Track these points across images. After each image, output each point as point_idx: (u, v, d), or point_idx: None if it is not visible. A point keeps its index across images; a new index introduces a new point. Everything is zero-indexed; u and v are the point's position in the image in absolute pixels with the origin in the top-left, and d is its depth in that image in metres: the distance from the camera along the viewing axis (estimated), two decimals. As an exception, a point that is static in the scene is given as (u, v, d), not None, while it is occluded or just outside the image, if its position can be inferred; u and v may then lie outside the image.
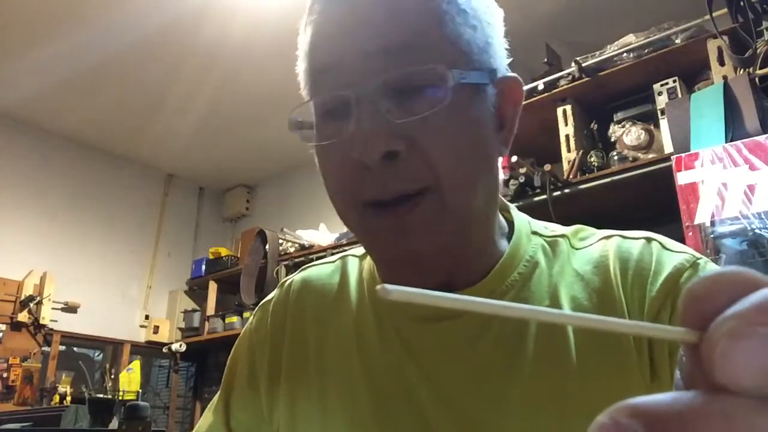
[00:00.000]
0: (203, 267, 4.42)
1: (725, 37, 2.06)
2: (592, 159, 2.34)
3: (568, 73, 2.45)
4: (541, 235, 0.59)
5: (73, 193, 4.34)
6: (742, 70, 1.99)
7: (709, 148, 1.82)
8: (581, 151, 2.35)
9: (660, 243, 0.53)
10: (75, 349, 4.43)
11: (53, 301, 3.94)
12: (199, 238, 5.06)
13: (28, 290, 3.85)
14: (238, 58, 3.44)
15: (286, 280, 0.68)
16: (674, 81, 2.23)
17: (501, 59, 0.53)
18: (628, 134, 2.31)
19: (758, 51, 1.99)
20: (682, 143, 1.94)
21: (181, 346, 3.89)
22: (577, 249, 0.57)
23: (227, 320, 4.03)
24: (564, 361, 0.50)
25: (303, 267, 0.69)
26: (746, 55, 1.99)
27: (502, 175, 2.35)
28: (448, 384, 0.53)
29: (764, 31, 2.07)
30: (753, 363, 0.17)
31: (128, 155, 4.61)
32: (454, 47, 0.48)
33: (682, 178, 1.84)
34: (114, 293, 4.41)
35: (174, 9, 3.08)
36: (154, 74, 3.61)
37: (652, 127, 2.29)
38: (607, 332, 0.20)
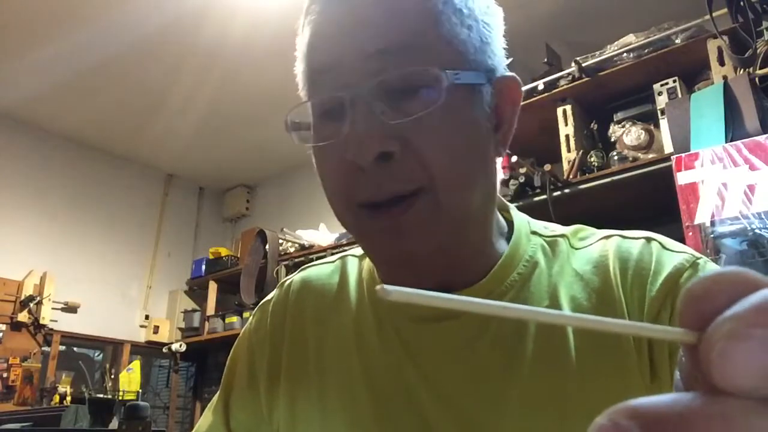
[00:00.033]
0: (203, 267, 4.42)
1: (725, 37, 2.06)
2: (592, 159, 2.34)
3: (568, 73, 2.45)
4: (540, 235, 0.59)
5: (73, 193, 4.34)
6: (742, 70, 1.99)
7: (709, 148, 1.82)
8: (581, 151, 2.35)
9: (660, 243, 0.53)
10: (75, 349, 4.43)
11: (53, 301, 3.94)
12: (199, 238, 5.06)
13: (28, 290, 3.85)
14: (238, 58, 3.43)
15: (285, 280, 0.68)
16: (674, 81, 2.23)
17: (499, 59, 0.53)
18: (628, 134, 2.31)
19: (758, 51, 1.99)
20: (682, 143, 1.94)
21: (181, 346, 3.89)
22: (576, 249, 0.57)
23: (227, 320, 4.03)
24: (563, 361, 0.50)
25: (302, 267, 0.69)
26: (746, 55, 1.99)
27: (501, 175, 2.35)
28: (447, 384, 0.53)
29: (764, 31, 2.07)
30: (752, 364, 0.17)
31: (128, 155, 4.61)
32: (450, 47, 0.48)
33: (682, 178, 1.84)
34: (114, 293, 4.41)
35: (174, 9, 3.08)
36: (154, 74, 3.61)
37: (652, 127, 2.29)
38: (606, 333, 0.20)
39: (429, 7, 0.48)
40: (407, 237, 0.49)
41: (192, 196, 5.14)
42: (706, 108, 1.93)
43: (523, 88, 0.56)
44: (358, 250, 0.65)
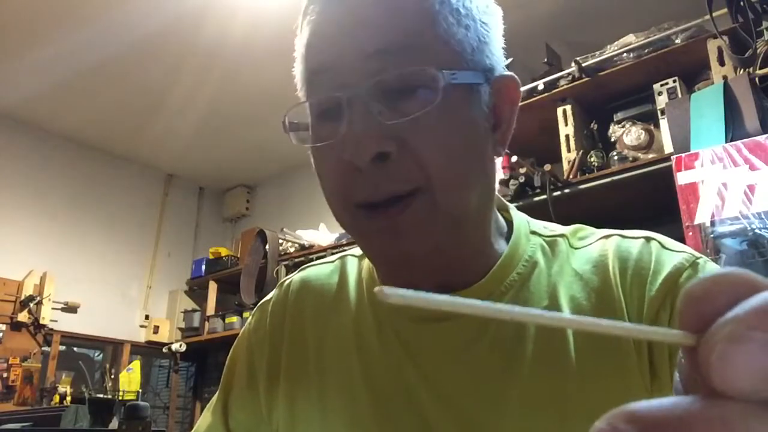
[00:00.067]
0: (203, 267, 4.42)
1: (725, 37, 2.06)
2: (592, 159, 2.34)
3: (568, 73, 2.45)
4: (540, 235, 0.59)
5: (73, 193, 4.34)
6: (742, 70, 1.99)
7: (709, 148, 1.82)
8: (581, 151, 2.35)
9: (659, 242, 0.53)
10: (75, 349, 4.43)
11: (53, 301, 3.94)
12: (199, 238, 5.06)
13: (28, 290, 3.85)
14: (238, 58, 3.43)
15: (284, 280, 0.68)
16: (674, 81, 2.23)
17: (498, 58, 0.53)
18: (628, 134, 2.31)
19: (758, 51, 1.99)
20: (682, 143, 1.94)
21: (181, 346, 3.89)
22: (576, 248, 0.57)
23: (227, 320, 4.03)
24: (563, 362, 0.50)
25: (302, 267, 0.69)
26: (746, 55, 1.99)
27: (501, 175, 2.35)
28: (447, 384, 0.53)
29: (764, 31, 2.07)
30: (751, 367, 0.17)
31: (128, 155, 4.61)
32: (447, 47, 0.48)
33: (682, 178, 1.84)
34: (114, 293, 4.41)
35: (174, 9, 3.08)
36: (154, 74, 3.61)
37: (652, 127, 2.29)
38: (604, 335, 0.20)
39: (426, 7, 0.48)
40: (404, 237, 0.49)
41: (192, 196, 5.14)
42: (706, 108, 1.93)
43: (523, 88, 0.56)
44: (358, 250, 0.65)
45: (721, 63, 2.05)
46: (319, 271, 0.66)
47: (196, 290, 4.61)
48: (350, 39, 0.48)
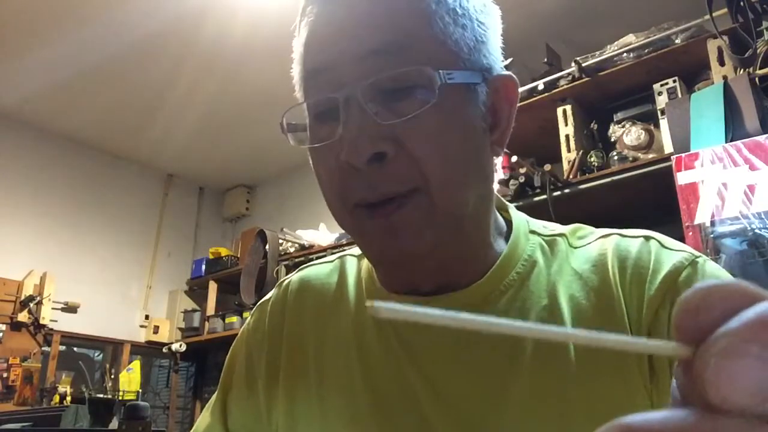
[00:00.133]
0: (203, 267, 4.42)
1: (725, 37, 2.06)
2: (592, 159, 2.34)
3: (568, 73, 2.45)
4: (539, 234, 0.58)
5: (73, 193, 4.34)
6: (742, 70, 1.99)
7: (709, 148, 1.82)
8: (581, 151, 2.35)
9: (658, 241, 0.53)
10: (75, 349, 4.42)
11: (53, 301, 3.94)
12: (199, 238, 5.06)
13: (28, 290, 3.85)
14: (238, 58, 3.43)
15: (284, 280, 0.68)
16: (674, 81, 2.23)
17: (495, 58, 0.53)
18: (628, 134, 2.31)
19: (758, 51, 1.99)
20: (682, 143, 1.94)
21: (181, 346, 3.89)
22: (575, 248, 0.57)
23: (227, 320, 4.03)
24: (563, 362, 0.50)
25: (301, 267, 0.69)
26: (746, 55, 1.99)
27: (501, 175, 2.35)
28: (447, 384, 0.53)
29: (764, 31, 2.07)
30: (746, 382, 0.17)
31: (128, 155, 4.61)
32: (443, 47, 0.48)
33: (682, 178, 1.84)
34: (114, 293, 4.41)
35: (174, 9, 3.08)
36: (154, 74, 3.61)
37: (652, 127, 2.29)
38: (601, 347, 0.20)
39: (422, 8, 0.48)
40: (401, 237, 0.49)
41: (192, 196, 5.14)
42: (706, 108, 1.93)
43: (523, 88, 0.56)
44: (357, 250, 0.65)
45: (721, 63, 2.05)
46: (319, 270, 0.66)
47: (196, 290, 4.61)
48: (347, 40, 0.48)
